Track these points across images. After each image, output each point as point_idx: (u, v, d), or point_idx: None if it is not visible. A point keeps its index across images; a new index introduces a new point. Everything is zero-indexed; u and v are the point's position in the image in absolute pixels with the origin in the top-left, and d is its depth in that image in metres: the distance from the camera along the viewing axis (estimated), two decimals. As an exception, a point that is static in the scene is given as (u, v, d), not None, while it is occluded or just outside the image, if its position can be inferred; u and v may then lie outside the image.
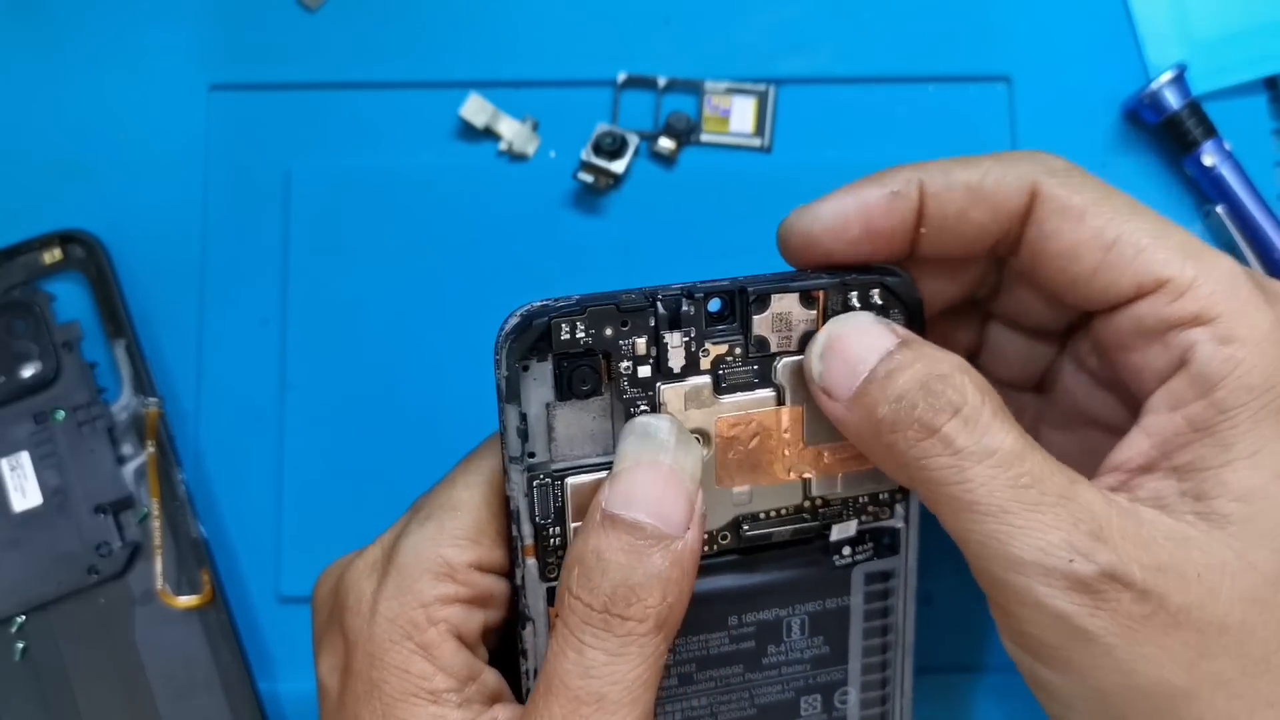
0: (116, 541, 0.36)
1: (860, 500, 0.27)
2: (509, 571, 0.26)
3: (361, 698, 0.24)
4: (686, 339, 0.25)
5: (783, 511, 0.26)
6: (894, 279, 0.25)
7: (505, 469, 0.25)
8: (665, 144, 0.38)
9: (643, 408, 0.25)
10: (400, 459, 0.37)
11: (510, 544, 0.25)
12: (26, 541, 0.36)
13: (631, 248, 0.38)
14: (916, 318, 0.26)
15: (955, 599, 0.35)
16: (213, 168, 0.39)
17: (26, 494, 0.36)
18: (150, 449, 0.36)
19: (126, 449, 0.37)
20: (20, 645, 0.36)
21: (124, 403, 0.37)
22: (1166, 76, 0.37)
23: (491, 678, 0.25)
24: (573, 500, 0.25)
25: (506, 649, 0.27)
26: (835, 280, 0.25)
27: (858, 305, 0.25)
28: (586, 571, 0.23)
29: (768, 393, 0.25)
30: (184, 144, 0.39)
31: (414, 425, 0.37)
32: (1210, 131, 0.37)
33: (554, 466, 0.25)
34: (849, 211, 0.25)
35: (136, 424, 0.37)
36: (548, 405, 0.24)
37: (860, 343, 0.23)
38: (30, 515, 0.36)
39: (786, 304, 0.25)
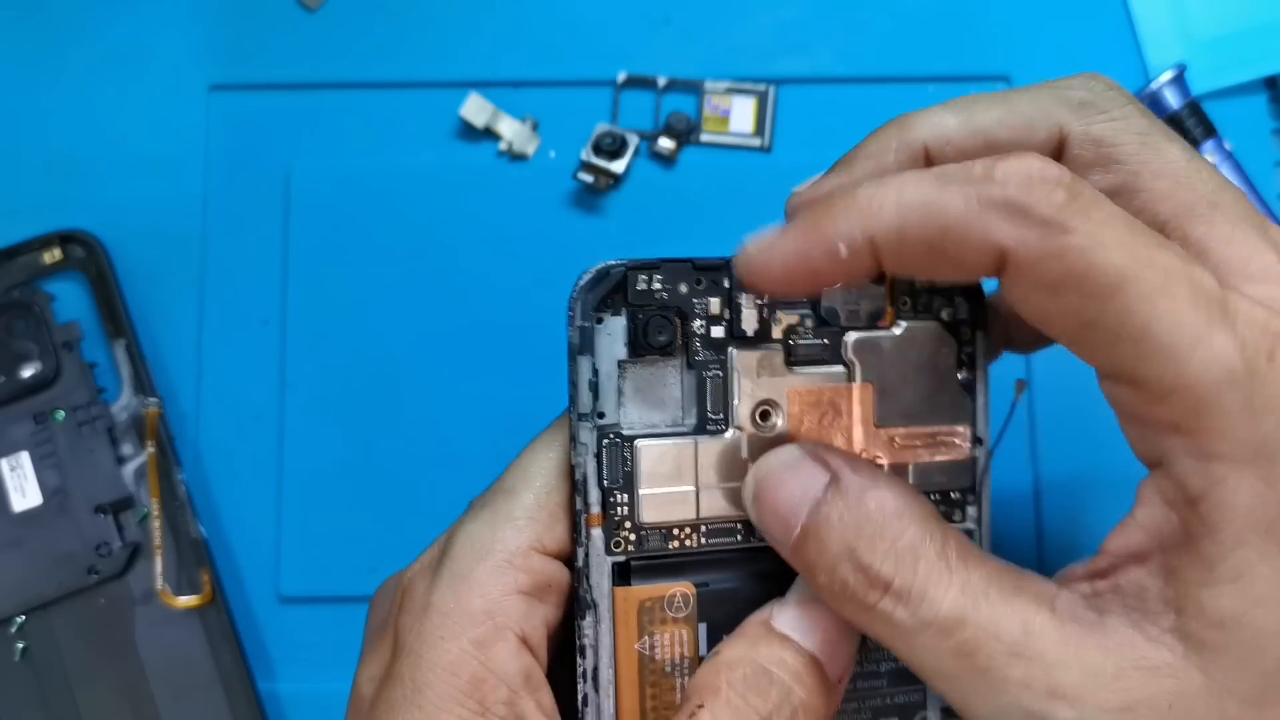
0: (116, 541, 0.36)
1: (932, 496, 0.26)
2: (570, 553, 0.24)
3: (399, 705, 0.22)
4: (759, 302, 0.24)
5: None
6: None
7: (573, 432, 0.24)
8: (665, 144, 0.38)
9: (715, 372, 0.24)
10: (400, 459, 0.37)
11: (573, 520, 0.24)
12: (26, 541, 0.36)
13: (631, 248, 0.38)
14: (980, 309, 0.26)
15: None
16: (213, 168, 0.39)
17: (26, 494, 0.36)
18: (150, 449, 0.36)
19: (126, 449, 0.37)
20: (20, 645, 0.36)
21: (124, 403, 0.37)
22: (1166, 76, 0.37)
23: (547, 699, 0.23)
24: (644, 465, 0.24)
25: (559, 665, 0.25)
26: None
27: (922, 289, 0.25)
28: (756, 678, 0.22)
29: (838, 369, 0.25)
30: (184, 144, 0.39)
31: (414, 425, 0.37)
32: (1210, 131, 0.37)
33: (623, 430, 0.24)
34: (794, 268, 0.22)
35: (136, 424, 0.37)
36: (620, 363, 0.24)
37: (787, 491, 0.22)
38: (30, 515, 0.36)
39: None
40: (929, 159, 0.23)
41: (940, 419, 0.25)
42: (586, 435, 0.23)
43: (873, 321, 0.25)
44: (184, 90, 0.39)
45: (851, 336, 0.25)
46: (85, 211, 0.38)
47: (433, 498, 0.37)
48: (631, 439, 0.24)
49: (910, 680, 0.27)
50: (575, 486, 0.24)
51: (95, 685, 0.35)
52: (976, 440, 0.26)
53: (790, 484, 0.22)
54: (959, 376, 0.25)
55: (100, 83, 0.39)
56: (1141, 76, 0.39)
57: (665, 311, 0.24)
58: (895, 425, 0.25)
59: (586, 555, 0.24)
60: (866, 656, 0.26)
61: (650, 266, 0.24)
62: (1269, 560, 0.19)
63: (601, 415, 0.24)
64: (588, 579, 0.24)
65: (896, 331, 0.25)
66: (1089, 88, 0.23)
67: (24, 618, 0.36)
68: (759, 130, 0.38)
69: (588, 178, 0.37)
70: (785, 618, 0.23)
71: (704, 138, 0.38)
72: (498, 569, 0.23)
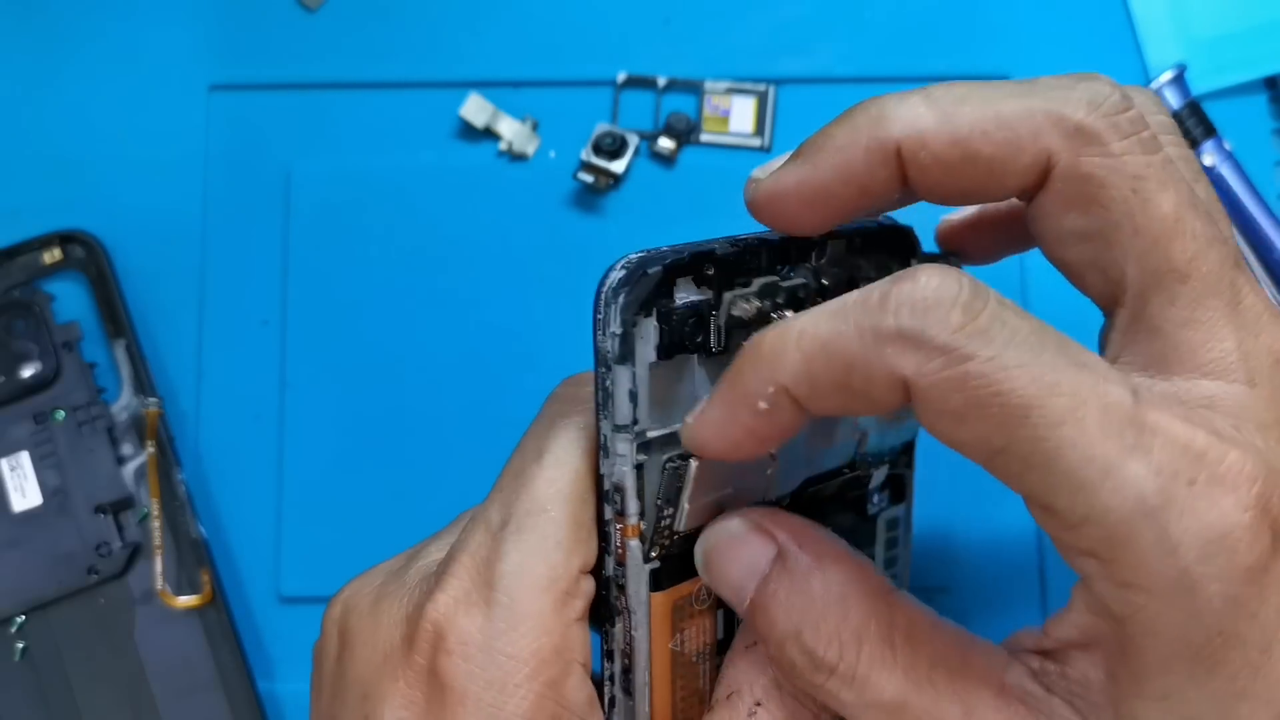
0: (116, 541, 0.36)
1: (888, 450, 0.27)
2: (597, 563, 0.23)
3: None
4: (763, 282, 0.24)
5: (834, 467, 0.26)
6: (905, 229, 0.26)
7: (606, 442, 0.23)
8: (665, 144, 0.38)
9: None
10: (400, 459, 0.37)
11: (602, 529, 0.23)
12: (26, 541, 0.36)
13: (631, 248, 0.38)
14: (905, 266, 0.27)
15: (965, 591, 0.35)
16: (213, 168, 0.39)
17: (26, 494, 0.36)
18: (150, 449, 0.36)
19: (126, 449, 0.37)
20: (20, 645, 0.36)
21: (124, 403, 0.37)
22: (1166, 76, 0.37)
23: (599, 713, 0.23)
24: (693, 479, 0.23)
25: None
26: (867, 228, 0.26)
27: (887, 251, 0.26)
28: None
29: None
30: (184, 144, 0.39)
31: (413, 425, 0.37)
32: (1210, 131, 0.37)
33: (650, 435, 0.23)
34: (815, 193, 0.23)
35: (136, 424, 0.37)
36: (650, 366, 0.23)
37: (735, 565, 0.22)
38: (30, 515, 0.36)
39: (838, 248, 0.25)
40: (902, 161, 0.21)
41: None
42: (624, 447, 0.22)
43: (850, 286, 0.26)
44: (184, 90, 0.39)
45: None
46: (85, 211, 0.38)
47: (433, 498, 0.37)
48: (686, 457, 0.23)
49: None
50: (605, 496, 0.23)
51: (95, 685, 0.35)
52: None
53: (737, 557, 0.22)
54: None
55: (100, 83, 0.39)
56: (1141, 76, 0.39)
57: (696, 310, 0.23)
58: None
59: (621, 565, 0.23)
60: None
61: (684, 262, 0.23)
62: (1196, 683, 0.19)
63: (636, 422, 0.23)
64: (621, 587, 0.23)
65: None
66: (1091, 102, 0.20)
67: (24, 618, 0.36)
68: (759, 130, 0.38)
69: (588, 178, 0.37)
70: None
71: (704, 138, 0.38)
72: (559, 603, 0.22)
